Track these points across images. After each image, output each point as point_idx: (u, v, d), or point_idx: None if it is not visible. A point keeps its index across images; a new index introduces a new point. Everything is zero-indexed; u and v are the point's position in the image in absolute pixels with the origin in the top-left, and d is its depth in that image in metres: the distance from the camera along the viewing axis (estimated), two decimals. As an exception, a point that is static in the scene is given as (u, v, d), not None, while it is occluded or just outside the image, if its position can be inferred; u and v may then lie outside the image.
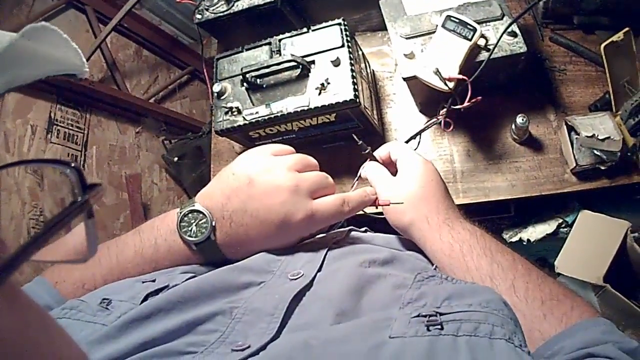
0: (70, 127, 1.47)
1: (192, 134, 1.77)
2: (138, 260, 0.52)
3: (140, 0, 1.31)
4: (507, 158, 0.97)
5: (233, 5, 0.95)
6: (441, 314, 0.35)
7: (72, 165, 0.26)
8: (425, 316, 0.35)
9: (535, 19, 1.07)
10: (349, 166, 0.95)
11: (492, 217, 1.08)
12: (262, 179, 0.51)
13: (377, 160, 0.66)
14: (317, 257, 0.50)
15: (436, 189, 0.59)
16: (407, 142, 0.87)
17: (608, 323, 0.45)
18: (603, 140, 0.91)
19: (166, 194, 1.90)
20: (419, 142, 0.87)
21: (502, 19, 0.84)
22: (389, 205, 0.57)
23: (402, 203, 0.56)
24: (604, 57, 0.94)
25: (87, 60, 1.38)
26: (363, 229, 0.66)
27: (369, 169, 0.65)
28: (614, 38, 0.94)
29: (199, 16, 0.98)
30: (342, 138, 0.96)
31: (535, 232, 1.07)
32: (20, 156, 1.25)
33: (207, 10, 0.97)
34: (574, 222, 1.03)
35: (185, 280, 0.46)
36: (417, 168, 0.60)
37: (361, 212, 0.67)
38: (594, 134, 0.90)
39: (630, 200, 1.11)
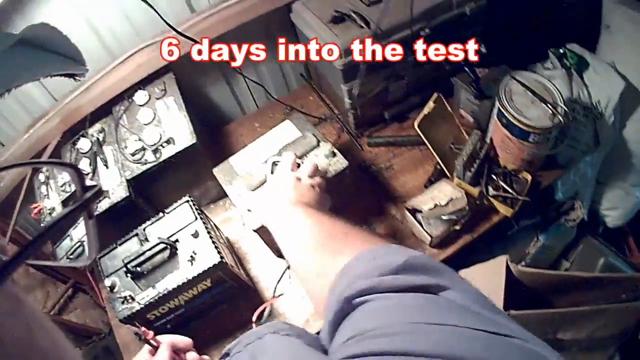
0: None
1: (97, 337, 1.84)
2: None
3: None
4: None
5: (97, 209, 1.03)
6: (232, 348, 0.49)
7: (72, 165, 0.27)
8: (223, 356, 0.50)
9: (349, 133, 1.17)
10: (237, 323, 1.00)
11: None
12: None
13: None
14: None
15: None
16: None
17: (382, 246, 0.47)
18: (446, 204, 0.99)
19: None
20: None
21: (319, 145, 0.97)
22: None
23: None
24: (421, 134, 1.03)
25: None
26: None
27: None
28: (425, 111, 1.04)
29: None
30: (223, 300, 1.01)
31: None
32: None
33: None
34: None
35: None
36: None
37: None
38: (435, 204, 0.98)
39: (501, 240, 1.19)
